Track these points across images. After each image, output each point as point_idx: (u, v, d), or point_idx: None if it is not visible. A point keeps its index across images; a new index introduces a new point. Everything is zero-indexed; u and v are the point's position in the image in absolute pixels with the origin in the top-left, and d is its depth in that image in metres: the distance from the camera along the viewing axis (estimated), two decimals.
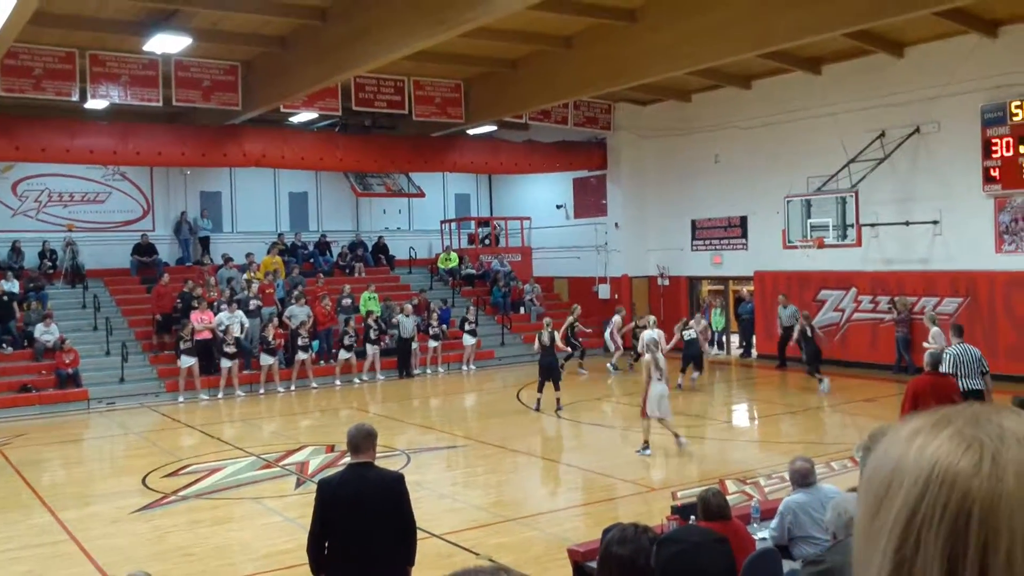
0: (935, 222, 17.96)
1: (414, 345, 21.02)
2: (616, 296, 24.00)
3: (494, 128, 23.66)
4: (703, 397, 17.45)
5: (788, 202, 18.48)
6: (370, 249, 25.82)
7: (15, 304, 19.25)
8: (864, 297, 19.42)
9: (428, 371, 21.33)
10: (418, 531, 5.54)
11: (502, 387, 19.53)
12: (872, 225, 18.26)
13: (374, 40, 14.05)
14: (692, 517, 5.86)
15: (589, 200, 25.69)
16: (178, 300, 19.89)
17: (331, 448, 12.99)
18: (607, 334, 20.84)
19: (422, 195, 26.36)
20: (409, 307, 21.18)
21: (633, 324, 20.38)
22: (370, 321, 20.44)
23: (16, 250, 21.17)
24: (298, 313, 20.27)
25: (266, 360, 19.16)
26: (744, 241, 22.19)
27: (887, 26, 16.26)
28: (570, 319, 20.08)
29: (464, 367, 21.74)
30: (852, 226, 17.42)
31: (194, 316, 18.95)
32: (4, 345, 18.73)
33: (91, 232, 22.79)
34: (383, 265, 25.66)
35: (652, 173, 24.18)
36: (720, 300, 22.75)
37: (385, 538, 5.26)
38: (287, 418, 16.99)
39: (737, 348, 23.33)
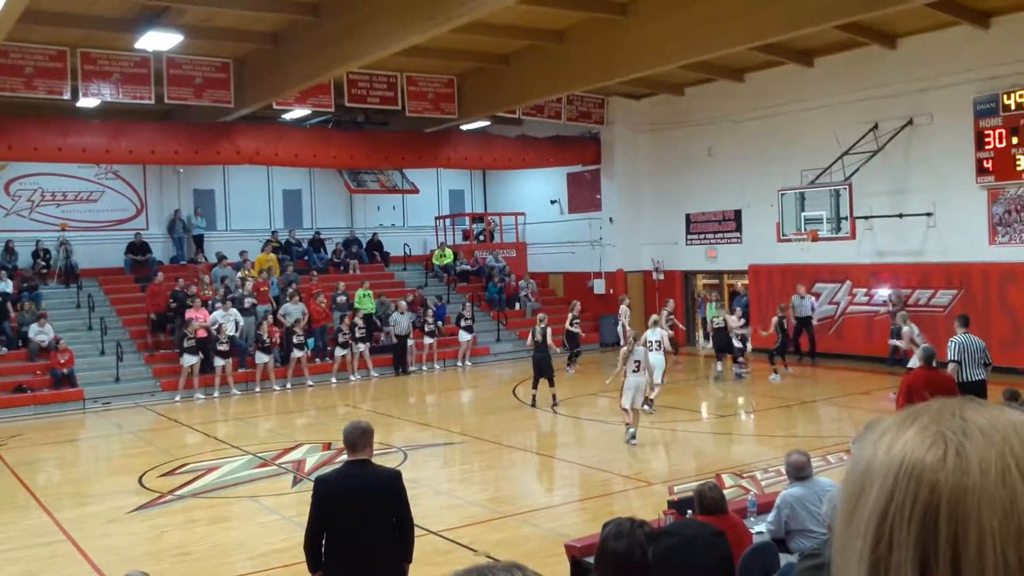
0: (929, 214, 17.98)
1: (410, 342, 21.02)
2: (611, 291, 23.99)
3: (487, 123, 23.59)
4: (701, 391, 17.46)
5: (782, 195, 18.46)
6: (364, 246, 25.76)
7: (9, 304, 19.20)
8: (859, 290, 19.46)
9: (424, 368, 21.32)
10: (415, 528, 5.54)
11: (498, 383, 19.53)
12: (866, 218, 18.26)
13: (366, 35, 14.01)
14: (689, 511, 5.86)
15: (583, 195, 25.66)
16: (171, 299, 19.84)
17: (328, 446, 12.98)
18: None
19: (416, 191, 26.30)
20: (404, 304, 21.18)
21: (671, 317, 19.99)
22: (357, 319, 20.42)
23: (9, 250, 21.05)
24: (293, 311, 20.23)
25: (261, 358, 19.14)
26: (738, 235, 22.19)
27: (879, 18, 16.27)
28: (571, 315, 20.12)
29: (460, 363, 21.74)
30: (846, 219, 17.40)
31: (190, 314, 18.92)
32: None
33: (84, 231, 22.68)
34: (378, 262, 25.62)
35: (646, 167, 24.17)
36: (716, 294, 22.74)
37: (382, 535, 5.26)
38: (283, 416, 16.97)
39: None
